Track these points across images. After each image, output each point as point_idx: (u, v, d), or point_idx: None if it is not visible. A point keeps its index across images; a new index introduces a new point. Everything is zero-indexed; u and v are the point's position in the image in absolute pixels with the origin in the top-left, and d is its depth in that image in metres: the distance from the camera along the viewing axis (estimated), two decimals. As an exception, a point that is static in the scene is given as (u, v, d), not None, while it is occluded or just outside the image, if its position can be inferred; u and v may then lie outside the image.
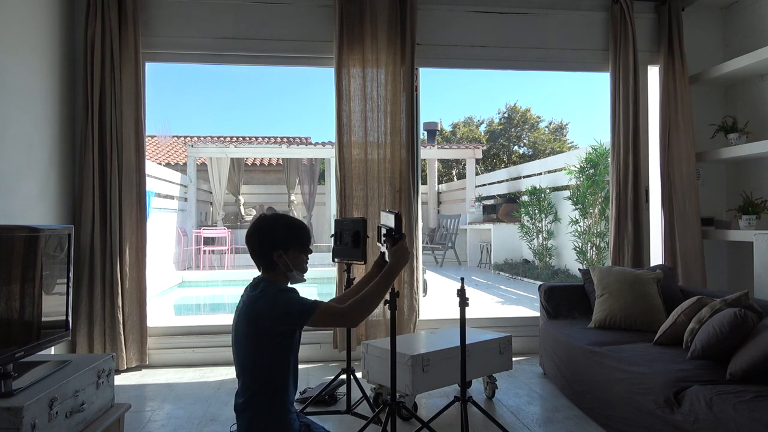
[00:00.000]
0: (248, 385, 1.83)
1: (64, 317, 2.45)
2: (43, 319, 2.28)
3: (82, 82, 3.98)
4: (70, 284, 2.49)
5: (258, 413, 1.81)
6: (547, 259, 10.14)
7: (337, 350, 4.24)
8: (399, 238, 2.09)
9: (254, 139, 15.57)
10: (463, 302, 2.59)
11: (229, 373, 3.85)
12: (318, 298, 1.86)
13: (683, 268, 4.46)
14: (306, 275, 1.94)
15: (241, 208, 14.50)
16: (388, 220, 2.19)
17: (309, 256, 1.95)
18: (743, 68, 4.26)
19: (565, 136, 22.78)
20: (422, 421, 2.70)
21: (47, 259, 2.32)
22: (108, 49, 3.95)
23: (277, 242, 1.87)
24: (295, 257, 1.89)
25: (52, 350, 3.35)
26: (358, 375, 3.26)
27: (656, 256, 4.68)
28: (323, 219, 14.43)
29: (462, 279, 2.58)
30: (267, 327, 1.79)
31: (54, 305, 2.39)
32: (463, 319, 2.61)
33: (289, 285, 1.92)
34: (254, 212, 14.55)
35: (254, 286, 1.87)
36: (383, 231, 2.21)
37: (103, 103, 3.97)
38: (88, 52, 3.93)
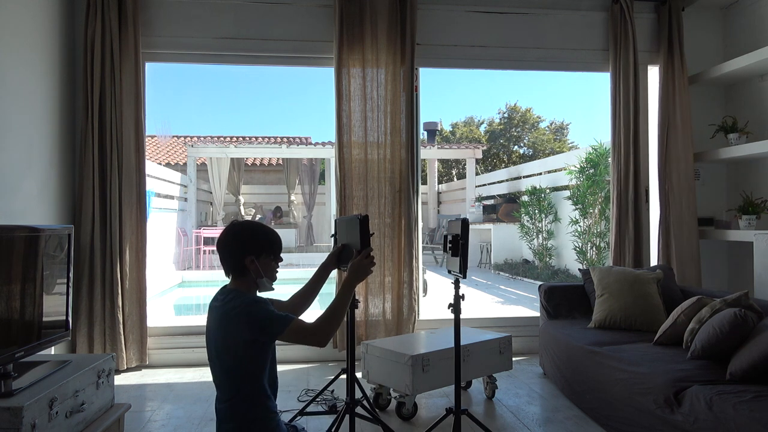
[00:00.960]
0: (228, 393, 1.82)
1: (64, 317, 2.45)
2: (44, 319, 2.28)
3: (82, 82, 3.98)
4: (70, 284, 2.49)
5: (243, 421, 1.80)
6: (547, 259, 10.14)
7: (337, 350, 4.24)
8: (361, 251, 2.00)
9: (254, 139, 15.57)
10: (457, 311, 2.58)
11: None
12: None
13: (678, 268, 4.46)
14: (275, 283, 1.93)
15: (241, 208, 14.50)
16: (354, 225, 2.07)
17: (279, 264, 1.95)
18: (743, 68, 4.26)
19: (566, 136, 22.78)
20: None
21: (47, 259, 2.32)
22: (108, 49, 3.95)
23: (249, 248, 1.87)
24: (266, 264, 1.89)
25: (52, 350, 3.35)
26: (358, 375, 3.26)
27: (656, 256, 4.68)
28: (323, 219, 14.44)
29: (456, 287, 2.50)
30: (245, 335, 1.77)
31: (54, 305, 2.39)
32: (457, 322, 2.60)
33: (258, 293, 1.92)
34: (254, 212, 14.55)
35: (224, 295, 1.86)
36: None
37: (103, 103, 3.97)
38: (88, 52, 3.93)
